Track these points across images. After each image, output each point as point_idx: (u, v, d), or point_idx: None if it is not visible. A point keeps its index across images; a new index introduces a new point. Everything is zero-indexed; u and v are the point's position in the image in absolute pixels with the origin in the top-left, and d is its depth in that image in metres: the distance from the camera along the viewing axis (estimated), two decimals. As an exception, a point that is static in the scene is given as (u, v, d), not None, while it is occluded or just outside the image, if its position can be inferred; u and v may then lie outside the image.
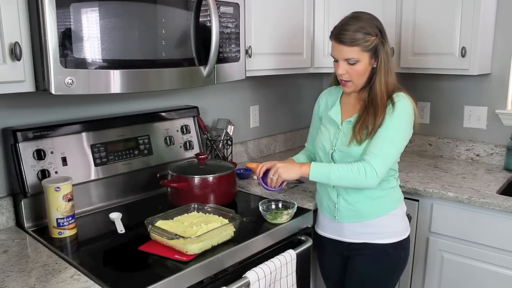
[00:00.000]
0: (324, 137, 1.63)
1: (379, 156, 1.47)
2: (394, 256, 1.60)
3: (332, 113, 1.63)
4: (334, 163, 1.57)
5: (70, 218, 1.47)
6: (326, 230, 1.69)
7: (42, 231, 1.52)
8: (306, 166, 1.54)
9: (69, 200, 1.47)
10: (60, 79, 1.21)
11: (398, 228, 1.61)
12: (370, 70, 1.52)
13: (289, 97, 2.75)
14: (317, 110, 1.76)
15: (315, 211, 1.77)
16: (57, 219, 1.45)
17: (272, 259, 1.48)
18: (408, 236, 1.64)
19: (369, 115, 1.50)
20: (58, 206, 1.45)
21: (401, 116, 1.49)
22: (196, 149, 2.07)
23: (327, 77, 2.90)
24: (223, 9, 1.64)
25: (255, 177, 2.13)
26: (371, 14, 1.53)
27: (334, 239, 1.66)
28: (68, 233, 1.47)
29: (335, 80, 1.67)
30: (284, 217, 1.60)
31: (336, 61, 1.54)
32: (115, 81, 1.35)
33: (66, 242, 1.45)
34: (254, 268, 1.41)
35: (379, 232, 1.57)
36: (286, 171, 1.56)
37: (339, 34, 1.48)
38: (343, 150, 1.55)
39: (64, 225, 1.46)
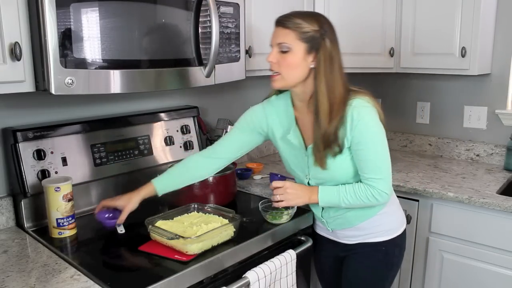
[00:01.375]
0: (294, 163, 1.55)
1: (380, 177, 1.40)
2: (388, 254, 1.58)
3: (292, 137, 1.49)
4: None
5: (70, 218, 1.47)
6: (323, 231, 1.69)
7: (42, 231, 1.52)
8: (315, 192, 1.47)
9: (69, 200, 1.47)
10: (60, 79, 1.21)
11: (390, 225, 1.57)
12: (306, 69, 1.37)
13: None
14: (264, 128, 1.56)
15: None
16: (57, 219, 1.45)
17: (272, 259, 1.48)
18: (402, 232, 1.60)
19: (318, 128, 1.37)
20: (58, 206, 1.45)
21: (373, 129, 1.39)
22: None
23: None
24: (223, 9, 1.64)
25: (255, 177, 2.13)
26: (322, 14, 1.42)
27: (331, 240, 1.66)
28: (68, 233, 1.47)
29: (276, 90, 1.55)
30: (284, 217, 1.60)
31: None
32: (115, 81, 1.35)
33: (66, 242, 1.45)
34: (254, 268, 1.41)
35: (371, 232, 1.55)
36: (295, 197, 1.49)
37: (280, 17, 1.38)
38: (319, 178, 1.49)
39: (64, 225, 1.46)
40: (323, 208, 1.57)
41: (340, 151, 1.41)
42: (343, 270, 1.64)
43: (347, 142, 1.40)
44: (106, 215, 1.49)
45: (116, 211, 1.49)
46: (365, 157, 1.40)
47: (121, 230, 1.47)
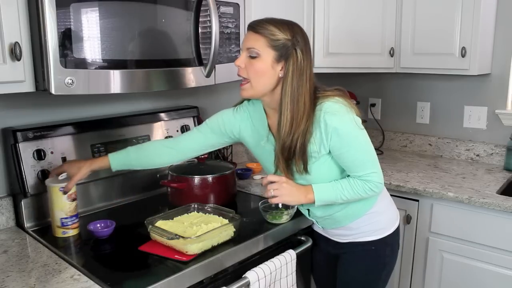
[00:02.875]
0: (270, 171, 1.51)
1: (373, 171, 1.39)
2: (379, 253, 1.56)
3: (267, 144, 1.47)
4: None
5: (74, 218, 1.48)
6: (317, 228, 1.69)
7: (42, 231, 1.52)
8: (311, 194, 1.41)
9: (73, 199, 1.47)
10: (60, 79, 1.21)
11: (379, 225, 1.54)
12: (274, 77, 1.33)
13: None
14: (235, 132, 1.54)
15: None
16: (61, 219, 1.45)
17: (272, 259, 1.48)
18: (394, 232, 1.56)
19: (281, 137, 1.33)
20: (63, 206, 1.45)
21: (350, 128, 1.34)
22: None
23: (327, 78, 2.90)
24: (223, 9, 1.64)
25: (255, 177, 2.13)
26: (297, 24, 1.38)
27: (325, 237, 1.66)
28: (71, 232, 1.47)
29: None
30: (284, 217, 1.60)
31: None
32: (115, 81, 1.35)
33: (68, 242, 1.45)
34: (254, 268, 1.41)
35: (360, 232, 1.53)
36: (290, 194, 1.41)
37: (253, 22, 1.36)
38: (301, 183, 1.44)
39: (68, 225, 1.46)
40: (309, 210, 1.56)
41: (304, 165, 1.37)
42: (337, 271, 1.64)
43: (324, 149, 1.36)
44: (98, 225, 1.49)
45: (107, 221, 1.50)
46: (352, 158, 1.38)
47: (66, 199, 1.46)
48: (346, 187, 1.41)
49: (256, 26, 1.33)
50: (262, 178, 1.49)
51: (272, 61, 1.32)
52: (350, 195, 1.41)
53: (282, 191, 1.40)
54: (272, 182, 1.40)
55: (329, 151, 1.38)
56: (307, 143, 1.35)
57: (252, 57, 1.32)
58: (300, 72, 1.32)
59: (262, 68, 1.32)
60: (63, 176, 1.47)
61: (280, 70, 1.33)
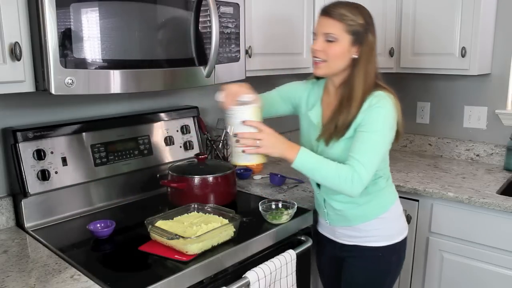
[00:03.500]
0: (305, 139, 1.57)
1: (365, 164, 1.36)
2: (385, 260, 1.56)
3: (312, 114, 1.54)
4: None
5: None
6: (324, 230, 1.69)
7: (42, 231, 1.52)
8: (294, 151, 1.38)
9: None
10: (60, 79, 1.21)
11: (388, 231, 1.55)
12: (348, 59, 1.41)
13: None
14: (296, 100, 1.63)
15: (315, 211, 1.77)
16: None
17: (272, 259, 1.48)
18: (403, 240, 1.58)
19: (341, 113, 1.42)
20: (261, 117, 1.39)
21: (383, 118, 1.38)
22: (196, 149, 2.07)
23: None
24: (223, 9, 1.64)
25: (255, 177, 2.13)
26: (363, 6, 1.46)
27: (330, 239, 1.66)
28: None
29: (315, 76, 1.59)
30: (284, 217, 1.60)
31: (314, 39, 1.44)
32: (115, 81, 1.35)
33: (70, 241, 1.45)
34: (254, 268, 1.41)
35: (368, 236, 1.54)
36: (273, 146, 1.36)
37: (326, 7, 1.42)
38: (327, 155, 1.45)
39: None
40: (324, 198, 1.57)
41: (337, 137, 1.44)
42: (342, 273, 1.64)
43: (355, 124, 1.42)
44: (98, 225, 1.49)
45: (107, 221, 1.50)
46: (362, 139, 1.39)
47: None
48: (331, 164, 1.38)
49: (332, 12, 1.40)
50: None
51: (349, 45, 1.40)
52: (330, 173, 1.37)
53: (265, 142, 1.35)
54: (250, 128, 1.36)
55: (356, 127, 1.42)
56: (355, 119, 1.41)
57: (329, 41, 1.40)
58: (371, 53, 1.43)
59: (340, 51, 1.40)
60: (244, 97, 1.36)
61: (354, 51, 1.41)
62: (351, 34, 1.39)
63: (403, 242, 1.59)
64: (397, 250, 1.57)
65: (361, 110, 1.40)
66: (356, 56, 1.42)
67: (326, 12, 1.41)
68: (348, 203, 1.52)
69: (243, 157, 1.37)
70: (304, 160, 1.39)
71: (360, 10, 1.42)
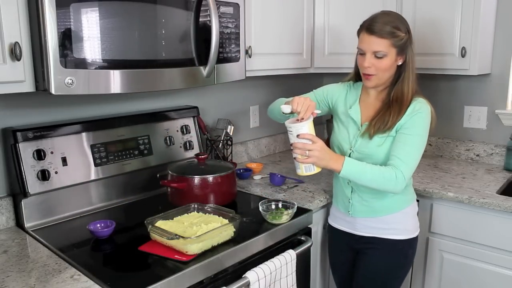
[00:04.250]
0: (342, 136, 1.64)
1: (407, 163, 1.49)
2: (402, 253, 1.63)
3: (352, 112, 1.63)
4: None
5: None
6: (340, 223, 1.73)
7: (42, 231, 1.52)
8: (340, 162, 1.48)
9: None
10: (60, 79, 1.21)
11: (408, 226, 1.64)
12: (395, 68, 1.54)
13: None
14: (331, 100, 1.72)
15: (315, 211, 1.77)
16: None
17: (272, 259, 1.48)
18: (417, 236, 1.67)
19: (390, 111, 1.53)
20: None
21: (425, 124, 1.52)
22: (196, 149, 2.07)
23: (327, 77, 2.90)
24: (223, 9, 1.64)
25: (255, 177, 2.13)
26: (399, 14, 1.57)
27: (346, 232, 1.70)
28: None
29: (354, 77, 1.69)
30: (284, 217, 1.60)
31: (361, 54, 1.54)
32: (115, 81, 1.35)
33: (70, 241, 1.45)
34: (254, 268, 1.41)
35: (390, 228, 1.61)
36: (321, 157, 1.45)
37: (370, 25, 1.49)
38: (361, 152, 1.57)
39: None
40: (352, 189, 1.62)
41: (379, 132, 1.54)
42: (357, 265, 1.66)
43: (398, 125, 1.52)
44: (98, 225, 1.50)
45: (107, 221, 1.50)
46: (405, 141, 1.50)
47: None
48: (375, 168, 1.49)
49: (378, 30, 1.48)
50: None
51: (395, 56, 1.52)
52: (375, 175, 1.48)
53: (315, 153, 1.45)
54: (305, 143, 1.46)
55: (398, 129, 1.53)
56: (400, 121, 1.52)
57: (378, 57, 1.50)
58: (414, 59, 1.56)
59: (389, 64, 1.52)
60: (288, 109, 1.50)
61: (399, 59, 1.53)
62: (397, 48, 1.49)
63: (417, 239, 1.68)
64: (413, 245, 1.66)
65: (406, 113, 1.52)
66: (400, 63, 1.54)
67: (372, 31, 1.49)
68: (378, 193, 1.58)
69: (297, 166, 1.50)
70: (350, 169, 1.48)
71: (401, 21, 1.52)
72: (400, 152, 1.50)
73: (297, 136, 1.45)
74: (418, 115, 1.51)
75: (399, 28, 1.49)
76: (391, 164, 1.50)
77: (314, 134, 1.48)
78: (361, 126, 1.60)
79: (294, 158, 1.48)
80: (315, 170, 1.49)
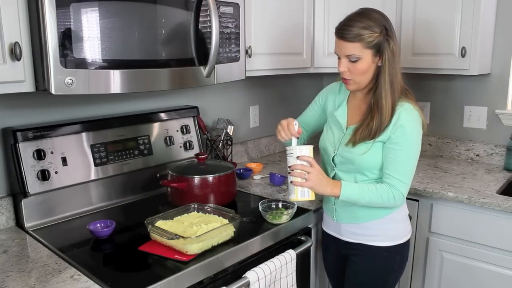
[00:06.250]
0: (329, 138, 1.61)
1: (403, 180, 1.45)
2: (389, 260, 1.58)
3: (338, 114, 1.59)
4: (335, 166, 1.56)
5: None
6: (329, 227, 1.70)
7: (42, 231, 1.52)
8: (338, 188, 1.46)
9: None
10: (60, 79, 1.21)
11: (394, 232, 1.57)
12: (374, 68, 1.46)
13: (289, 97, 2.75)
14: (323, 102, 1.70)
15: (315, 211, 1.77)
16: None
17: (272, 259, 1.48)
18: (406, 242, 1.60)
19: (373, 119, 1.46)
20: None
21: (413, 135, 1.46)
22: (196, 149, 2.07)
23: (327, 77, 2.90)
24: (223, 9, 1.64)
25: (255, 177, 2.13)
26: (379, 11, 1.48)
27: (334, 237, 1.67)
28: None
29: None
30: (284, 217, 1.60)
31: (338, 58, 1.49)
32: (115, 81, 1.35)
33: (70, 241, 1.45)
34: (254, 268, 1.41)
35: (375, 234, 1.56)
36: (319, 183, 1.44)
37: (340, 30, 1.44)
38: (344, 156, 1.52)
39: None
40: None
41: (363, 140, 1.48)
42: (346, 270, 1.64)
43: (384, 137, 1.46)
44: (98, 225, 1.50)
45: (107, 221, 1.50)
46: (396, 157, 1.45)
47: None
48: (372, 189, 1.46)
49: (347, 35, 1.42)
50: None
51: (372, 58, 1.44)
52: (373, 197, 1.46)
53: (313, 177, 1.43)
54: (303, 165, 1.45)
55: (385, 141, 1.47)
56: (387, 128, 1.45)
57: (353, 61, 1.44)
58: (393, 59, 1.45)
59: (365, 67, 1.44)
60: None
61: (378, 60, 1.45)
62: (372, 48, 1.42)
63: (406, 245, 1.61)
64: (400, 251, 1.59)
65: (391, 122, 1.45)
66: (380, 64, 1.46)
67: (342, 36, 1.43)
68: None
69: (292, 191, 1.46)
70: (348, 194, 1.46)
71: (373, 19, 1.43)
72: (393, 170, 1.45)
73: (297, 157, 1.44)
74: (405, 127, 1.44)
75: (370, 27, 1.40)
76: (386, 182, 1.46)
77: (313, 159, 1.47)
78: (346, 129, 1.56)
79: (290, 182, 1.45)
80: (309, 196, 1.46)
